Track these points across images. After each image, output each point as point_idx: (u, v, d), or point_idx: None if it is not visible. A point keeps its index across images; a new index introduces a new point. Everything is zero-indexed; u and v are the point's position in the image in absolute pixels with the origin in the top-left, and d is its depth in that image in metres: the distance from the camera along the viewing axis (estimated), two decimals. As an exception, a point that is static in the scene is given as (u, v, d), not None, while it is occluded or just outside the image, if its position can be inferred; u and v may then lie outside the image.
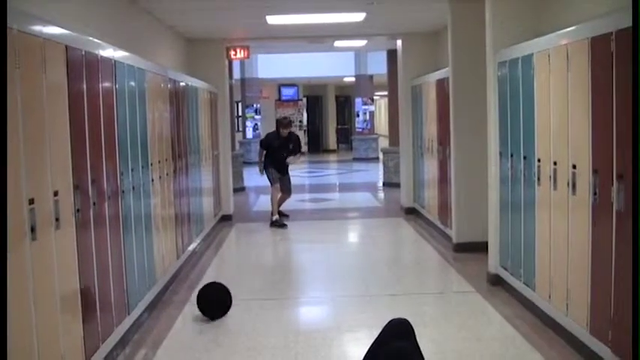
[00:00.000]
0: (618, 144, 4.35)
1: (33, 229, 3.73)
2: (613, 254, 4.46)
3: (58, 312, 4.15)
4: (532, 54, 6.02)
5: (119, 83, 5.66)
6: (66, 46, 4.40)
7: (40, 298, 3.84)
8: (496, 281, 7.26)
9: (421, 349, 4.06)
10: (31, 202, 3.73)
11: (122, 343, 5.56)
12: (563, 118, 5.30)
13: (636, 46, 3.63)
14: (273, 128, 29.28)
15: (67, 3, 5.75)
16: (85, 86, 4.78)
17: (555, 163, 5.47)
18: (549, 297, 5.75)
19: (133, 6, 8.22)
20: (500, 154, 7.04)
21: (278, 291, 7.62)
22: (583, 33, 4.97)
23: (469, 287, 7.36)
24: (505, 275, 7.03)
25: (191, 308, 6.85)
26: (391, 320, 4.16)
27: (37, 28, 3.96)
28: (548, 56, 5.62)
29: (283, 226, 11.42)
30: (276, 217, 11.54)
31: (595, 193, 4.71)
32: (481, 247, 7.95)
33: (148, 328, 6.19)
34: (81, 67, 4.72)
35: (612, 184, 4.40)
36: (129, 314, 5.78)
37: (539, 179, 5.89)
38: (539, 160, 5.89)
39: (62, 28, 4.42)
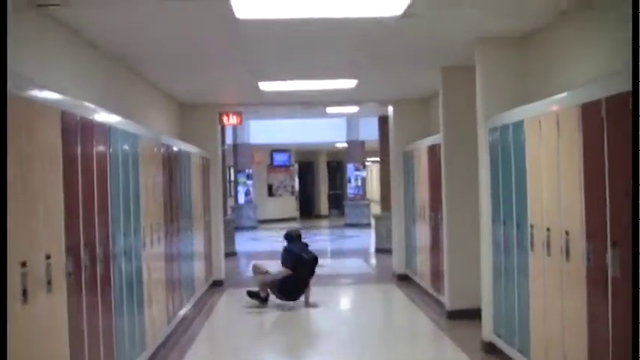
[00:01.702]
0: (612, 209, 4.36)
1: (25, 293, 3.69)
2: (609, 321, 4.42)
3: (46, 378, 4.08)
4: (523, 120, 6.08)
5: (113, 148, 5.68)
6: (62, 111, 4.43)
7: (29, 364, 3.78)
8: (490, 349, 7.18)
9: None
10: (24, 265, 3.69)
11: (111, 411, 5.46)
12: (556, 184, 5.32)
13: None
14: (264, 194, 29.49)
15: (62, 68, 5.81)
16: (79, 150, 4.80)
17: (548, 229, 5.47)
18: (544, 364, 5.69)
19: (128, 71, 8.30)
20: (493, 220, 7.04)
21: (269, 359, 7.52)
22: (573, 100, 5.03)
23: (463, 356, 7.27)
24: (499, 343, 6.95)
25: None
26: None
27: (33, 93, 3.99)
28: (539, 122, 5.67)
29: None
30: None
31: (589, 260, 4.69)
32: (475, 315, 7.86)
33: (137, 396, 6.09)
34: (76, 132, 4.74)
35: (607, 250, 4.39)
36: (118, 381, 5.69)
37: (532, 245, 5.88)
38: (532, 227, 5.88)
39: (58, 93, 4.45)
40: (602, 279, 4.47)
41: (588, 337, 4.80)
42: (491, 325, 7.20)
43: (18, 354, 3.63)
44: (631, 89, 3.73)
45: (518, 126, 6.18)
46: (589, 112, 4.70)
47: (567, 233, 5.07)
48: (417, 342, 8.44)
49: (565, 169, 5.16)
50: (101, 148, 5.37)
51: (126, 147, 6.14)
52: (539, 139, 5.68)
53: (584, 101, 4.79)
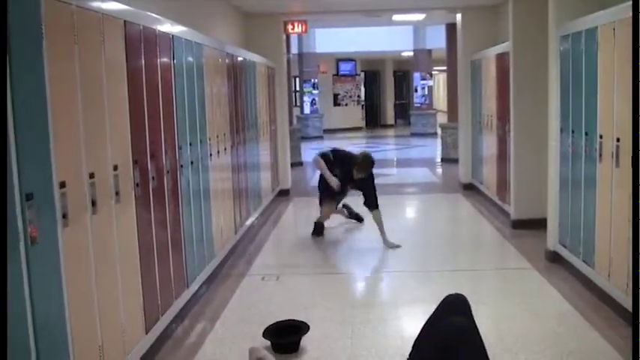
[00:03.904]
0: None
1: (94, 203, 3.80)
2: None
3: (118, 284, 4.23)
4: (596, 27, 5.87)
5: (177, 58, 5.70)
6: (124, 22, 4.44)
7: (101, 271, 3.91)
8: (554, 259, 7.17)
9: (477, 324, 4.03)
10: (92, 176, 3.79)
11: (181, 315, 5.65)
12: (628, 93, 5.15)
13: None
14: (330, 103, 29.48)
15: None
16: (143, 61, 4.83)
17: (618, 140, 5.35)
18: (609, 275, 5.66)
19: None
20: (561, 130, 6.92)
21: (335, 265, 7.67)
22: (649, 5, 4.82)
23: (527, 264, 7.28)
24: (564, 252, 6.93)
25: (249, 281, 6.94)
26: (447, 295, 4.14)
27: (96, 3, 4.00)
28: (614, 29, 5.47)
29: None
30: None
31: (659, 171, 4.58)
32: (539, 224, 7.86)
33: (206, 301, 6.28)
34: (139, 43, 4.76)
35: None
36: (188, 287, 5.86)
37: (600, 156, 5.77)
38: (601, 137, 5.76)
39: (120, 3, 4.46)
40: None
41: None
42: (556, 235, 7.17)
43: (88, 263, 3.77)
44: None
45: (591, 33, 5.98)
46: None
47: (638, 144, 4.95)
48: (481, 250, 8.44)
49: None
50: (165, 59, 5.39)
51: (190, 57, 6.16)
52: (613, 46, 5.49)
53: (661, 6, 4.59)
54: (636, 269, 3.36)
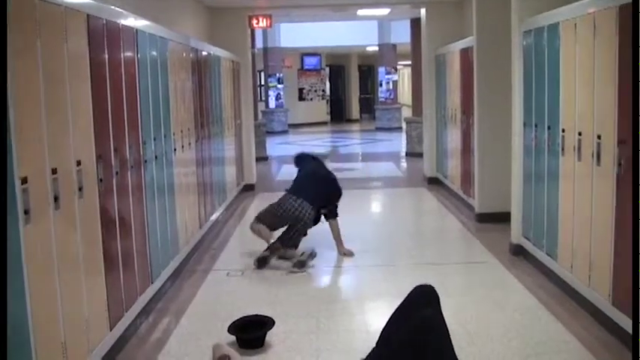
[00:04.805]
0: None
1: (57, 199, 3.76)
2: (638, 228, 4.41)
3: (82, 281, 4.18)
4: (558, 23, 5.93)
5: (141, 52, 5.65)
6: (87, 15, 4.39)
7: (64, 267, 3.87)
8: (518, 251, 7.24)
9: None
10: (54, 171, 3.74)
11: (146, 311, 5.61)
12: (589, 88, 5.23)
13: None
14: (295, 98, 29.50)
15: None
16: (106, 56, 4.78)
17: (580, 134, 5.41)
18: (571, 267, 5.73)
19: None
20: (524, 124, 6.98)
21: (300, 260, 7.64)
22: (610, 1, 4.88)
23: (491, 257, 7.34)
24: (527, 245, 7.00)
25: (214, 277, 6.91)
26: (417, 286, 4.14)
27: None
28: (575, 25, 5.53)
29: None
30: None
31: (620, 164, 4.65)
32: (504, 218, 7.93)
33: (171, 297, 6.24)
34: (102, 37, 4.71)
35: (638, 157, 4.34)
36: (152, 283, 5.82)
37: (563, 150, 5.83)
38: (563, 131, 5.82)
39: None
40: (632, 184, 4.43)
41: (614, 242, 4.80)
42: (520, 228, 7.24)
43: (51, 259, 3.72)
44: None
45: (554, 28, 6.04)
46: (626, 13, 4.56)
47: (599, 137, 5.01)
48: (446, 243, 8.50)
49: (599, 72, 5.06)
50: (129, 53, 5.34)
51: (154, 52, 6.11)
52: (575, 42, 5.55)
53: (622, 3, 4.64)
54: (636, 271, 3.40)
